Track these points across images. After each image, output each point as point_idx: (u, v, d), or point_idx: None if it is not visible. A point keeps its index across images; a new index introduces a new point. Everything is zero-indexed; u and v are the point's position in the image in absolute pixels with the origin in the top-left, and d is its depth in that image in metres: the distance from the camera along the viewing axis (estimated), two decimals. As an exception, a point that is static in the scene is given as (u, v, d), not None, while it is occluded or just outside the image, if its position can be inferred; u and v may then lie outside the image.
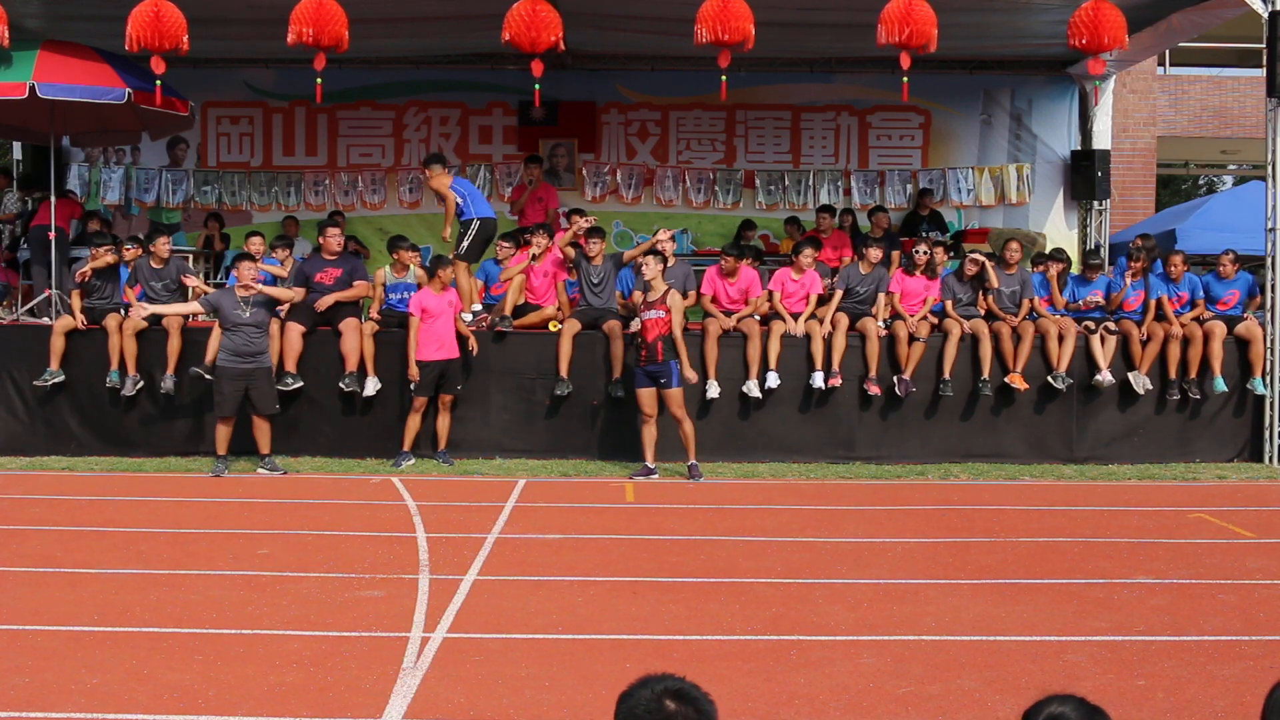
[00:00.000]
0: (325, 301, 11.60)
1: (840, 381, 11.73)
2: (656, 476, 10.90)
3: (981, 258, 12.25)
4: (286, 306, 11.89)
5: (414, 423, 11.42)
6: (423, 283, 12.19)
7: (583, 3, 12.11)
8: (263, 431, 11.04)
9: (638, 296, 11.05)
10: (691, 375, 10.98)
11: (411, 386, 11.50)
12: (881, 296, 12.13)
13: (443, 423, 11.52)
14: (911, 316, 11.96)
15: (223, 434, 10.94)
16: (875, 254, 12.25)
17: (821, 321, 11.86)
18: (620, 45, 15.29)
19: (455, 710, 5.12)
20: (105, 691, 5.25)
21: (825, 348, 11.72)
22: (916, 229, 14.95)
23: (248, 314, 10.86)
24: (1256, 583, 7.39)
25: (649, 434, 10.97)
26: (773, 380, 11.62)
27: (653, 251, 11.10)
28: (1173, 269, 12.48)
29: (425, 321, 11.20)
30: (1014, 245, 12.52)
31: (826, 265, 12.94)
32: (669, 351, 10.73)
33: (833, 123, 16.18)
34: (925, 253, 12.23)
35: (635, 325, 10.99)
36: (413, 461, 11.39)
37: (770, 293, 12.16)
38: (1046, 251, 13.67)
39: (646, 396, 10.87)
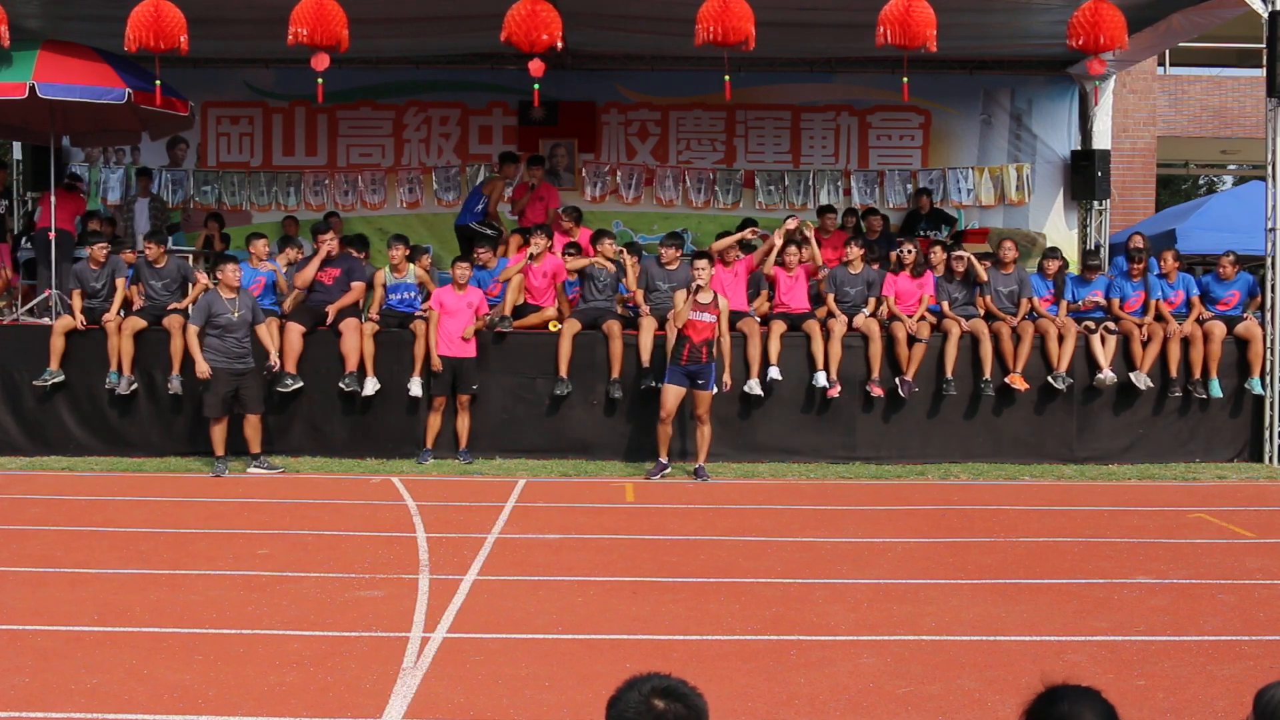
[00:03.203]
0: (331, 312, 11.66)
1: (839, 391, 11.73)
2: (670, 471, 10.92)
3: (967, 254, 12.26)
4: (289, 304, 11.93)
5: (434, 421, 11.55)
6: (424, 282, 12.25)
7: (583, 3, 12.11)
8: (253, 430, 11.05)
9: (680, 296, 10.92)
10: (728, 381, 11.07)
11: (411, 387, 11.54)
12: (872, 301, 12.12)
13: (462, 422, 11.60)
14: (909, 317, 11.96)
15: (219, 434, 10.96)
16: (855, 253, 12.23)
17: (823, 323, 11.87)
18: (620, 45, 15.28)
19: (455, 710, 5.12)
20: (105, 691, 5.25)
21: (826, 346, 11.73)
22: (915, 228, 14.94)
23: (236, 315, 10.85)
24: (1256, 583, 7.39)
25: (666, 431, 10.97)
26: (774, 373, 11.60)
27: (704, 254, 11.09)
28: (1164, 264, 12.49)
29: (441, 318, 11.38)
30: (1008, 244, 12.53)
31: (827, 266, 12.93)
32: (712, 355, 10.74)
33: (833, 123, 16.17)
34: (911, 251, 12.25)
35: (680, 321, 10.70)
36: (432, 461, 11.49)
37: (770, 290, 12.19)
38: (1045, 251, 13.67)
39: (674, 394, 10.80)
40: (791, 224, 12.01)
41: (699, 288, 10.66)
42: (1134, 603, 6.87)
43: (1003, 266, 12.34)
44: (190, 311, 11.17)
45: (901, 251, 12.33)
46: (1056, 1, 12.11)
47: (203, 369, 10.76)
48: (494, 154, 15.93)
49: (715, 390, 10.93)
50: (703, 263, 10.80)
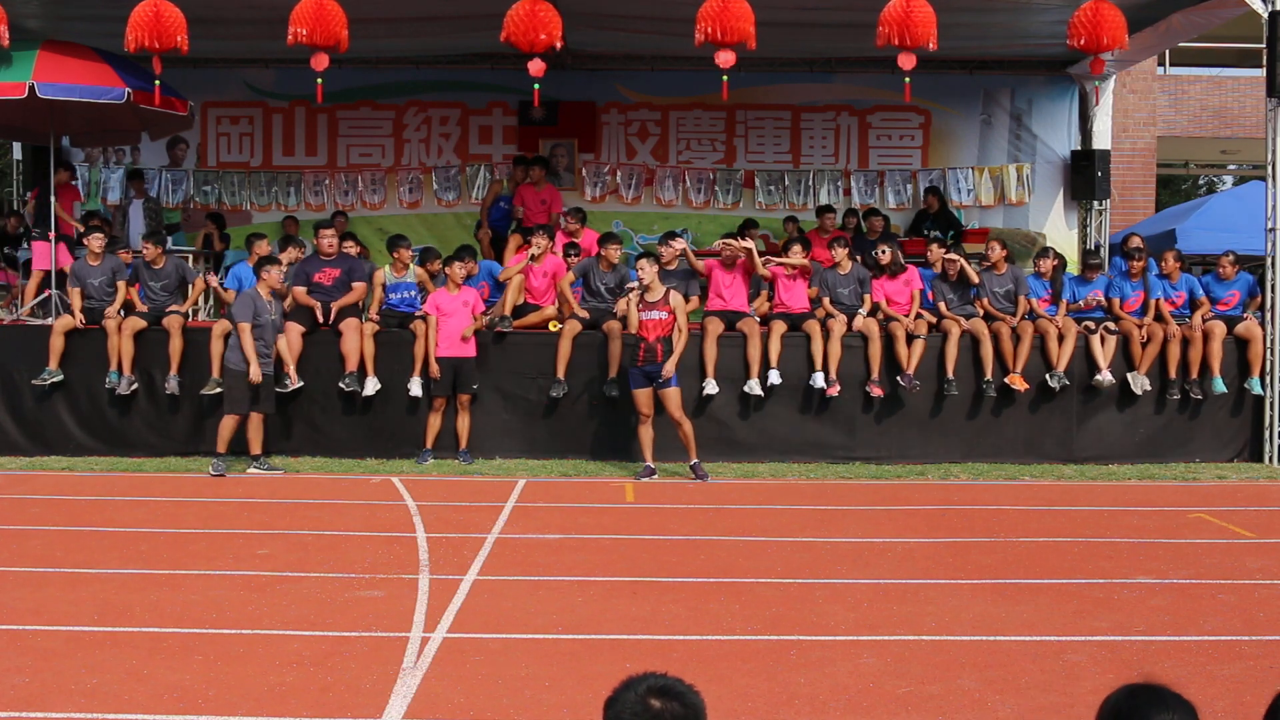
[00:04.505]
0: (334, 308, 11.65)
1: (839, 390, 11.73)
2: (656, 476, 10.90)
3: (958, 257, 12.26)
4: (288, 304, 11.93)
5: (434, 422, 11.56)
6: (423, 282, 12.25)
7: (583, 3, 12.11)
8: (256, 431, 11.06)
9: (633, 297, 10.98)
10: (668, 369, 10.63)
11: (411, 387, 11.55)
12: (867, 300, 12.12)
13: (462, 422, 11.61)
14: (905, 317, 11.96)
15: (229, 430, 10.95)
16: (840, 253, 12.23)
17: (823, 323, 11.87)
18: (620, 45, 15.29)
19: (455, 710, 5.12)
20: (105, 691, 5.25)
21: (825, 346, 11.74)
22: (922, 228, 14.95)
23: (271, 317, 10.97)
24: (1256, 583, 7.39)
25: (646, 434, 10.96)
26: (774, 377, 11.62)
27: (647, 254, 11.13)
28: (1164, 265, 12.49)
29: (440, 320, 11.39)
30: (994, 244, 12.53)
31: (823, 266, 12.92)
32: (669, 352, 10.72)
33: (833, 123, 16.18)
34: (885, 251, 12.28)
35: (633, 325, 10.93)
36: (432, 461, 11.50)
37: (770, 290, 12.20)
38: (1038, 251, 13.66)
39: (644, 397, 10.84)
40: (746, 243, 11.88)
41: (644, 287, 10.69)
42: (1134, 603, 6.87)
43: (995, 267, 12.33)
44: (234, 308, 11.13)
45: (877, 253, 12.36)
46: (1056, 1, 12.11)
47: (256, 373, 10.82)
48: (494, 154, 15.99)
49: (679, 387, 10.88)
50: (644, 261, 10.82)
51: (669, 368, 10.68)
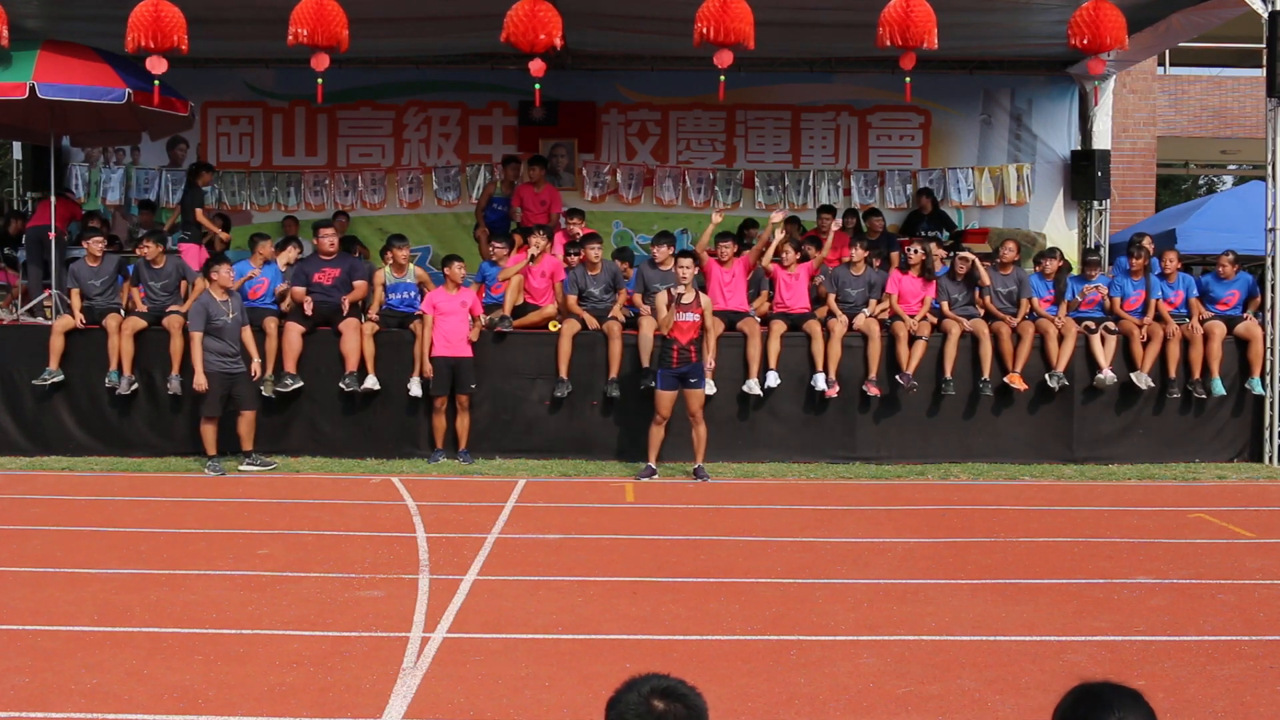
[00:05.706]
0: (345, 303, 11.70)
1: (838, 391, 11.72)
2: (656, 476, 10.90)
3: (971, 256, 12.26)
4: (287, 304, 11.93)
5: (439, 423, 11.59)
6: (423, 281, 12.26)
7: (583, 2, 12.11)
8: (248, 427, 11.08)
9: (662, 299, 10.90)
10: (710, 362, 10.90)
11: (411, 387, 11.55)
12: (873, 303, 12.11)
13: (462, 423, 11.62)
14: (911, 317, 11.96)
15: (211, 434, 11.01)
16: (859, 255, 12.24)
17: (824, 323, 11.87)
18: (620, 45, 15.28)
19: (455, 710, 5.12)
20: (105, 691, 5.25)
21: (826, 347, 11.73)
22: (917, 229, 14.94)
23: (230, 317, 10.93)
24: (1256, 583, 7.39)
25: (658, 435, 10.95)
26: (773, 379, 11.63)
27: (687, 253, 11.10)
28: (1166, 264, 12.49)
29: (436, 319, 11.36)
30: (1010, 245, 12.53)
31: (828, 266, 12.92)
32: (701, 353, 10.74)
33: (833, 123, 16.17)
34: (918, 251, 12.25)
35: (666, 327, 10.73)
36: (443, 460, 11.56)
37: (770, 289, 12.20)
38: (1043, 251, 13.66)
39: (668, 399, 10.79)
40: (777, 217, 11.90)
41: (682, 292, 10.64)
42: (1134, 603, 6.87)
43: (1002, 267, 12.34)
44: (189, 317, 11.17)
45: (909, 251, 12.33)
46: (1056, 1, 12.11)
47: (200, 382, 10.82)
48: (494, 154, 15.98)
49: (706, 388, 10.90)
50: (687, 261, 10.78)
51: (710, 360, 10.84)
